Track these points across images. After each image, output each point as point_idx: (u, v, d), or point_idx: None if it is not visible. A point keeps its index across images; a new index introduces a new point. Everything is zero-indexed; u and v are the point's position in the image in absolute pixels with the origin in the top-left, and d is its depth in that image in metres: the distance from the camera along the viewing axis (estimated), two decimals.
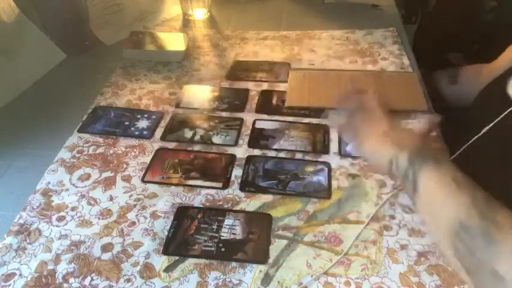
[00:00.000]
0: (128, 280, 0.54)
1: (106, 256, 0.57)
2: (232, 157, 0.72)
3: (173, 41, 1.04)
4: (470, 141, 0.64)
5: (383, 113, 0.59)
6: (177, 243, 0.58)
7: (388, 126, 0.57)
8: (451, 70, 0.97)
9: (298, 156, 0.72)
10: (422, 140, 0.54)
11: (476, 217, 0.40)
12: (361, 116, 0.61)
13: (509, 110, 0.60)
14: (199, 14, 1.17)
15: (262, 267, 0.55)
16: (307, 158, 0.72)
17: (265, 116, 0.81)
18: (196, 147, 0.74)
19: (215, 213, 0.62)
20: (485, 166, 0.70)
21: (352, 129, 0.62)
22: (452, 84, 0.95)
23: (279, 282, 0.54)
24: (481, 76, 0.84)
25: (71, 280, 0.54)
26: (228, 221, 0.61)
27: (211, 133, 0.77)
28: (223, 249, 0.57)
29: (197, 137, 0.76)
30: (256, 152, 0.73)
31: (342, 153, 0.72)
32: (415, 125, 0.62)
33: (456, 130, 0.72)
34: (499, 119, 0.61)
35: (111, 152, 0.74)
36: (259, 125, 0.79)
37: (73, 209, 0.64)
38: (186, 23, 1.16)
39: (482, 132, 0.62)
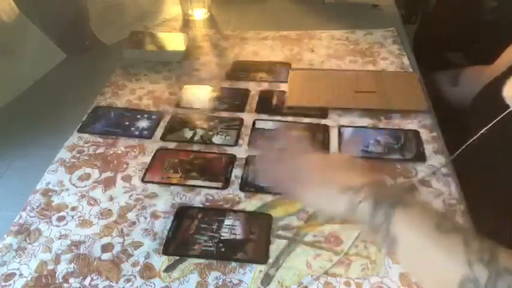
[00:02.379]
0: (128, 280, 0.54)
1: (106, 256, 0.57)
2: (232, 157, 0.72)
3: (173, 41, 1.04)
4: (468, 142, 0.64)
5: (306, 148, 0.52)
6: (177, 243, 0.58)
7: (321, 163, 0.50)
8: (452, 71, 0.97)
9: None
10: (369, 175, 0.47)
11: (480, 267, 0.35)
12: (287, 158, 0.52)
13: (505, 113, 0.60)
14: (199, 14, 1.17)
15: (262, 267, 0.55)
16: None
17: (265, 116, 0.81)
18: (196, 147, 0.74)
19: (215, 213, 0.62)
20: (484, 166, 0.70)
21: (284, 177, 0.52)
22: (453, 86, 0.95)
23: (279, 282, 0.54)
24: (482, 77, 0.84)
25: (71, 280, 0.54)
26: (228, 221, 0.61)
27: (211, 133, 0.77)
28: (223, 249, 0.57)
29: (197, 137, 0.76)
30: (256, 152, 0.73)
31: (342, 153, 0.72)
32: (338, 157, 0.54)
33: (456, 130, 0.72)
34: (495, 121, 0.61)
35: (111, 152, 0.74)
36: (259, 125, 0.79)
37: (73, 209, 0.64)
38: (186, 23, 1.16)
39: (479, 133, 0.62)
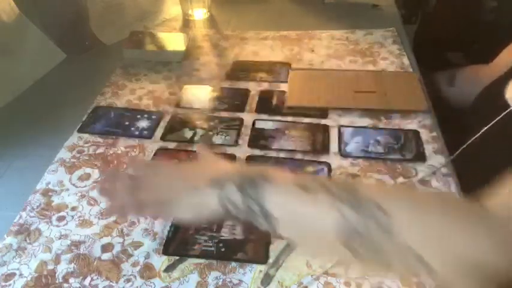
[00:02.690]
0: (128, 280, 0.54)
1: (106, 256, 0.57)
2: (232, 157, 0.72)
3: (173, 41, 1.04)
4: (469, 142, 0.64)
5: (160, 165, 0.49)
6: (177, 243, 0.58)
7: (180, 170, 0.47)
8: (449, 72, 0.97)
9: (298, 156, 0.72)
10: (227, 163, 0.45)
11: (347, 210, 0.36)
12: (146, 179, 0.48)
13: (504, 112, 0.60)
14: (199, 14, 1.17)
15: (262, 267, 0.55)
16: (307, 158, 0.72)
17: (265, 116, 0.81)
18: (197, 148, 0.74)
19: None
20: (484, 166, 0.70)
21: (148, 199, 0.47)
22: (450, 86, 0.95)
23: (279, 282, 0.54)
24: (477, 77, 0.84)
25: (71, 280, 0.54)
26: (228, 221, 0.61)
27: (211, 133, 0.77)
28: (223, 249, 0.57)
29: (197, 137, 0.76)
30: (256, 152, 0.73)
31: (342, 153, 0.72)
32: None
33: (456, 130, 0.72)
34: (495, 120, 0.61)
35: (111, 152, 0.74)
36: (259, 125, 0.79)
37: (73, 209, 0.64)
38: (186, 23, 1.16)
39: (479, 133, 0.62)
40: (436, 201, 0.38)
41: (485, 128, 0.62)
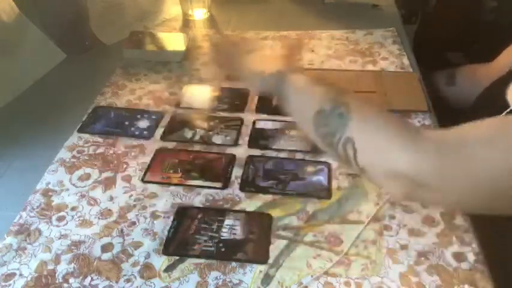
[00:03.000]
0: (128, 280, 0.54)
1: (106, 256, 0.57)
2: (232, 157, 0.72)
3: (173, 41, 1.04)
4: None
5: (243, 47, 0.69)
6: (177, 243, 0.58)
7: (255, 55, 0.66)
8: (448, 71, 0.97)
9: (298, 156, 0.72)
10: (286, 61, 0.61)
11: (328, 102, 0.49)
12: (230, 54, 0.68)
13: (505, 112, 0.60)
14: (199, 14, 1.17)
15: (262, 267, 0.55)
16: (307, 158, 0.72)
17: (265, 116, 0.81)
18: (196, 147, 0.74)
19: (215, 213, 0.62)
20: None
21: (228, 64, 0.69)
22: (450, 85, 0.95)
23: (279, 282, 0.54)
24: (478, 77, 0.84)
25: (71, 280, 0.54)
26: (228, 221, 0.61)
27: (211, 133, 0.77)
28: (223, 249, 0.57)
29: (197, 137, 0.76)
30: (256, 152, 0.73)
31: None
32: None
33: None
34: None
35: (111, 152, 0.74)
36: (259, 125, 0.79)
37: (73, 209, 0.64)
38: (186, 23, 1.16)
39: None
40: (388, 116, 0.48)
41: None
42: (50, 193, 0.66)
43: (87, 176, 0.69)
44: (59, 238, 0.60)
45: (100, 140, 0.76)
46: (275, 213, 0.62)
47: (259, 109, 0.83)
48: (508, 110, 0.60)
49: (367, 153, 0.46)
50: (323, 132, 0.49)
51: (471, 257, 0.56)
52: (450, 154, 0.42)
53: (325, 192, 0.65)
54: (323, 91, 0.52)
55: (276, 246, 0.58)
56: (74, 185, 0.68)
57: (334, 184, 0.67)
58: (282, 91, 0.56)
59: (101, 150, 0.74)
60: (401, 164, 0.43)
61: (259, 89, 0.63)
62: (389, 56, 0.97)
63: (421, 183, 0.42)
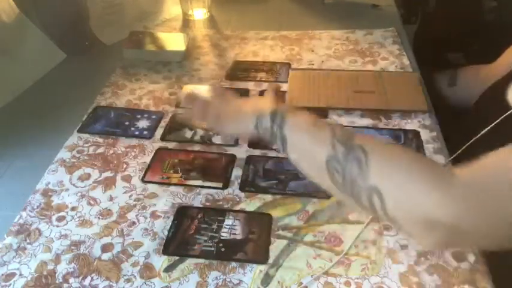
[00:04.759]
0: (128, 280, 0.54)
1: (106, 256, 0.57)
2: (232, 157, 0.72)
3: (173, 41, 1.04)
4: (469, 142, 0.64)
5: (231, 96, 0.62)
6: (177, 243, 0.58)
7: (241, 101, 0.61)
8: (450, 72, 0.97)
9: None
10: (275, 102, 0.57)
11: (340, 145, 0.45)
12: (215, 102, 0.62)
13: (507, 113, 0.60)
14: (199, 14, 1.17)
15: (262, 267, 0.55)
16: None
17: None
18: (196, 147, 0.74)
19: (215, 213, 0.62)
20: None
21: (211, 114, 0.62)
22: (451, 86, 0.95)
23: (279, 282, 0.54)
24: (478, 77, 0.84)
25: (71, 280, 0.54)
26: (228, 221, 0.61)
27: (211, 133, 0.77)
28: (223, 249, 0.57)
29: (197, 137, 0.76)
30: (256, 152, 0.73)
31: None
32: (264, 94, 0.63)
33: (456, 130, 0.72)
34: (496, 122, 0.60)
35: (111, 152, 0.74)
36: None
37: (73, 209, 0.64)
38: (186, 23, 1.16)
39: (479, 134, 0.62)
40: (408, 155, 0.45)
41: (485, 130, 0.61)
42: (50, 193, 0.66)
43: (87, 176, 0.69)
44: (59, 238, 0.60)
45: (100, 140, 0.76)
46: (275, 213, 0.62)
47: None
48: (510, 111, 0.60)
49: (397, 202, 0.41)
50: (340, 181, 0.44)
51: (471, 257, 0.56)
52: (487, 199, 0.39)
53: (325, 192, 0.65)
54: (329, 132, 0.47)
55: (276, 246, 0.58)
56: (74, 185, 0.68)
57: None
58: (280, 133, 0.51)
59: (101, 150, 0.74)
60: (438, 212, 0.39)
61: (251, 131, 0.56)
62: (389, 56, 0.97)
63: (459, 230, 0.39)
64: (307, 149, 0.49)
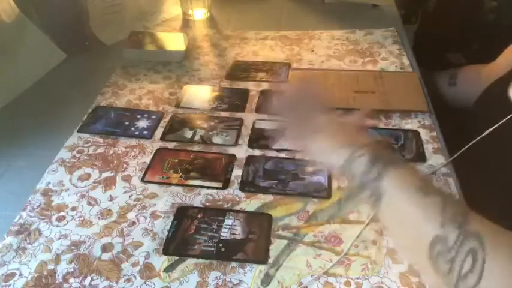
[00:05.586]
0: (128, 280, 0.54)
1: (106, 256, 0.57)
2: (232, 157, 0.72)
3: (173, 41, 1.04)
4: (471, 143, 0.64)
5: (322, 110, 0.56)
6: (177, 243, 0.58)
7: (340, 126, 0.53)
8: (450, 71, 0.97)
9: (299, 156, 0.72)
10: (363, 133, 0.51)
11: (451, 227, 0.37)
12: (304, 116, 0.56)
13: (510, 116, 0.59)
14: (199, 14, 1.17)
15: (262, 267, 0.55)
16: (307, 158, 0.71)
17: (265, 116, 0.81)
18: (196, 147, 0.74)
19: (215, 213, 0.62)
20: (484, 168, 0.70)
21: (299, 129, 0.56)
22: (451, 85, 0.95)
23: (279, 282, 0.54)
24: (479, 77, 0.84)
25: (71, 280, 0.54)
26: (228, 221, 0.61)
27: (211, 133, 0.77)
28: (223, 249, 0.57)
29: (197, 137, 0.76)
30: (256, 152, 0.73)
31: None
32: (350, 118, 0.56)
33: (457, 130, 0.72)
34: (500, 123, 0.60)
35: (111, 152, 0.74)
36: (259, 125, 0.79)
37: (73, 209, 0.64)
38: (186, 23, 1.16)
39: (483, 134, 0.62)
40: None
41: (489, 130, 0.61)
42: (50, 193, 0.66)
43: (87, 176, 0.69)
44: (59, 238, 0.60)
45: (100, 140, 0.76)
46: (275, 213, 0.62)
47: (259, 109, 0.83)
48: None
49: None
50: (445, 270, 0.36)
51: None
52: None
53: (325, 192, 0.65)
54: (440, 204, 0.38)
55: (276, 246, 0.58)
56: (74, 185, 0.68)
57: (334, 184, 0.67)
58: (376, 185, 0.43)
59: (101, 150, 0.74)
60: None
61: (338, 166, 0.48)
62: (389, 56, 0.97)
63: None
64: (408, 217, 0.41)
